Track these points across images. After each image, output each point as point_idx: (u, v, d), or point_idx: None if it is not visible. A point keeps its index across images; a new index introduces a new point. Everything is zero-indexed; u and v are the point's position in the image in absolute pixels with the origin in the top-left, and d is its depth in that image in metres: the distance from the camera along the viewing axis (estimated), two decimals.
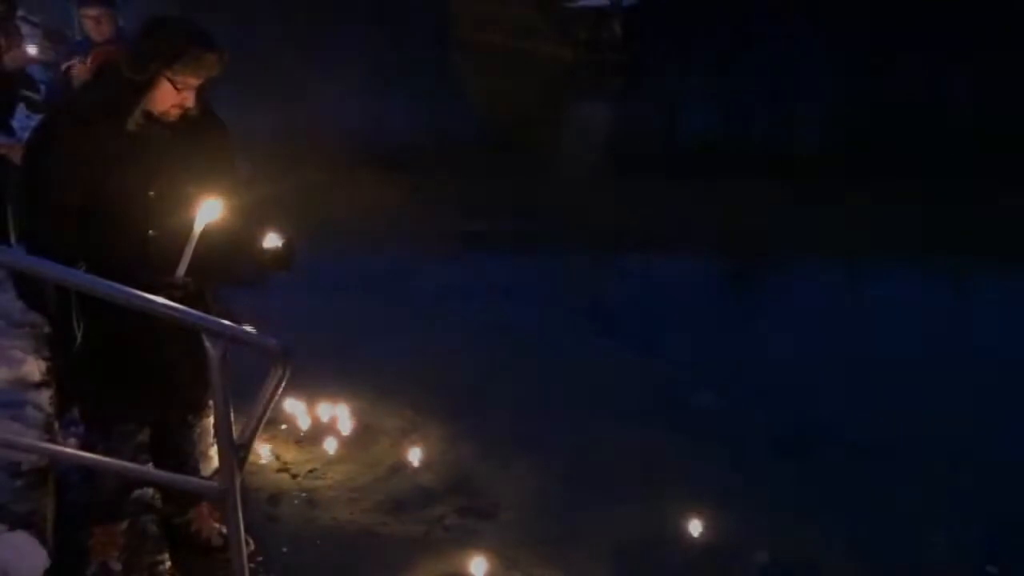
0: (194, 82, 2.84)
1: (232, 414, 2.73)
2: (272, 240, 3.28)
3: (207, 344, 2.63)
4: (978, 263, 8.43)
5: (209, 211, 2.93)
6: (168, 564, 3.32)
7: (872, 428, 5.06)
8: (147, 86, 2.80)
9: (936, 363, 5.99)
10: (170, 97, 2.83)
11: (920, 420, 5.16)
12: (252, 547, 3.52)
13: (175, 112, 2.87)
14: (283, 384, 2.77)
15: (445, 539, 3.93)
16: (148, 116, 2.84)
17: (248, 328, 3.01)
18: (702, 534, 4.04)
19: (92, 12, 4.77)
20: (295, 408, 4.94)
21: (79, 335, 2.94)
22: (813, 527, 4.08)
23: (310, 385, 5.00)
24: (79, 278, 2.41)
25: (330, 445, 4.64)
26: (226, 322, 2.81)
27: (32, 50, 5.60)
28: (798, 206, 10.13)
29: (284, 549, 3.84)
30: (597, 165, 13.24)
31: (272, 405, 2.79)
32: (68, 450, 2.73)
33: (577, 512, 4.17)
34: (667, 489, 4.38)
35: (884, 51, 24.83)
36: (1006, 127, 15.54)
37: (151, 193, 2.92)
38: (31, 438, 3.32)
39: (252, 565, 3.31)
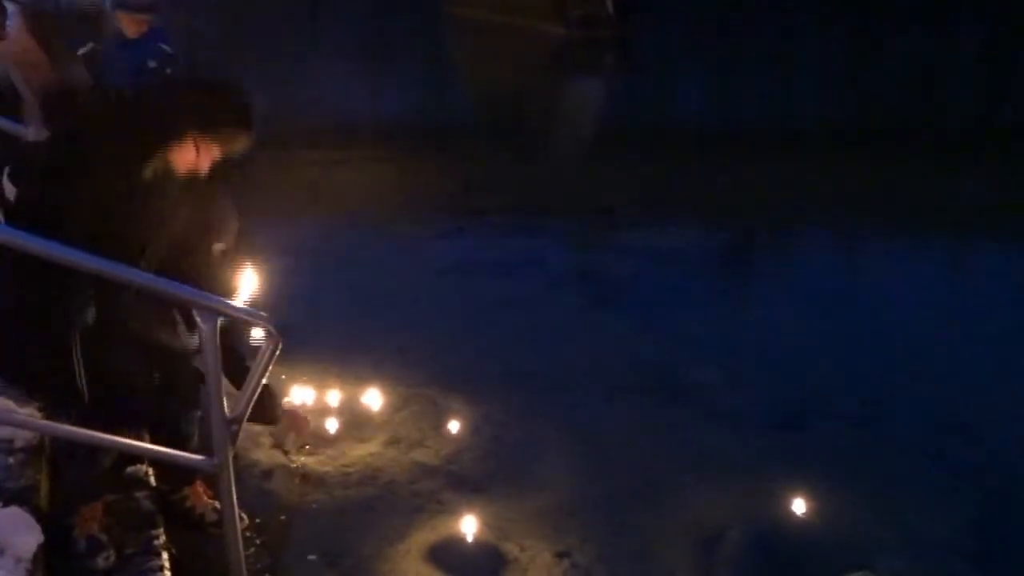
0: (217, 153, 2.87)
1: (223, 390, 2.75)
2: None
3: (198, 319, 2.65)
4: (976, 236, 8.47)
5: None
6: (162, 539, 3.34)
7: (872, 401, 5.10)
8: (173, 138, 2.80)
9: (936, 335, 6.04)
10: (189, 158, 2.85)
11: (921, 393, 5.20)
12: (246, 522, 3.55)
13: (185, 170, 2.89)
14: (273, 359, 2.79)
15: (438, 512, 3.95)
16: (166, 167, 2.84)
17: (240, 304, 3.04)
18: (696, 506, 4.06)
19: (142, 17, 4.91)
20: (289, 384, 4.95)
21: (83, 384, 2.91)
22: (812, 500, 4.10)
23: (305, 362, 5.03)
24: (68, 253, 2.40)
25: (324, 421, 4.65)
26: (217, 297, 2.83)
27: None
28: (796, 180, 10.15)
29: (277, 524, 3.86)
30: (593, 141, 13.21)
31: (262, 380, 2.82)
32: (62, 426, 2.73)
33: (571, 485, 4.19)
34: (664, 463, 4.41)
35: (882, 21, 24.73)
36: (1008, 100, 15.57)
37: (147, 246, 2.92)
38: (24, 415, 3.33)
39: (246, 539, 3.33)
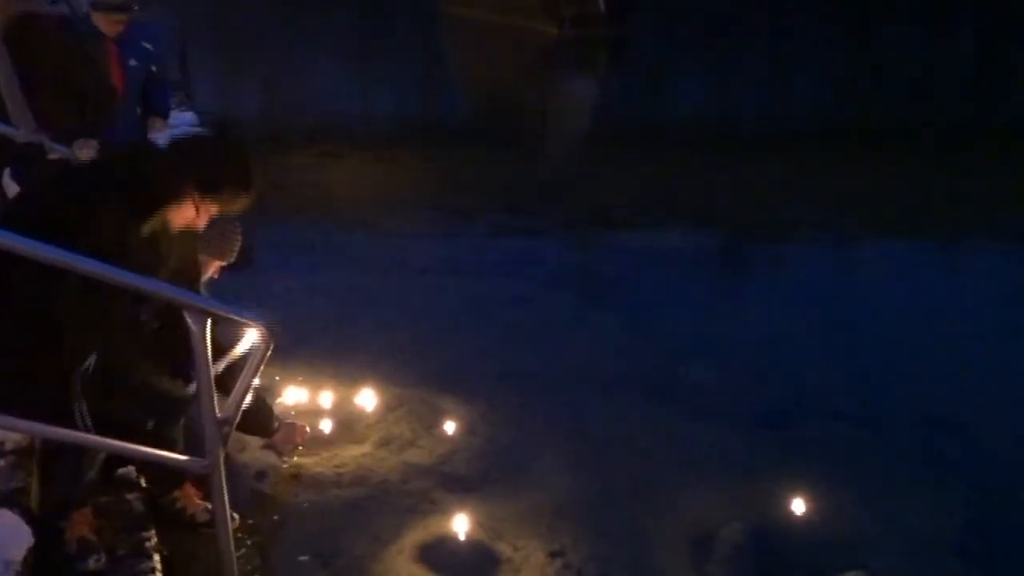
0: (215, 213, 2.89)
1: (214, 390, 2.73)
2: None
3: (188, 321, 2.62)
4: (976, 236, 8.47)
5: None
6: (154, 540, 3.32)
7: (870, 401, 5.08)
8: (173, 199, 2.80)
9: (935, 335, 6.02)
10: (188, 217, 2.85)
11: (919, 393, 5.18)
12: (237, 522, 3.54)
13: (182, 227, 2.90)
14: (265, 360, 2.77)
15: (431, 512, 3.93)
16: (164, 224, 2.83)
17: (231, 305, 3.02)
18: (690, 505, 4.04)
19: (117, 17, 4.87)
20: (282, 385, 4.92)
21: (84, 416, 2.91)
22: (809, 500, 4.08)
23: (298, 362, 5.01)
24: (61, 255, 2.38)
25: (317, 421, 4.62)
26: (209, 299, 2.81)
27: None
28: (795, 181, 10.15)
29: (269, 524, 3.83)
30: (590, 141, 13.20)
31: (253, 380, 2.80)
32: (51, 427, 2.71)
33: (564, 484, 4.17)
34: (660, 462, 4.39)
35: (882, 21, 24.70)
36: (1007, 100, 15.57)
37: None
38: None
39: (237, 540, 3.31)
